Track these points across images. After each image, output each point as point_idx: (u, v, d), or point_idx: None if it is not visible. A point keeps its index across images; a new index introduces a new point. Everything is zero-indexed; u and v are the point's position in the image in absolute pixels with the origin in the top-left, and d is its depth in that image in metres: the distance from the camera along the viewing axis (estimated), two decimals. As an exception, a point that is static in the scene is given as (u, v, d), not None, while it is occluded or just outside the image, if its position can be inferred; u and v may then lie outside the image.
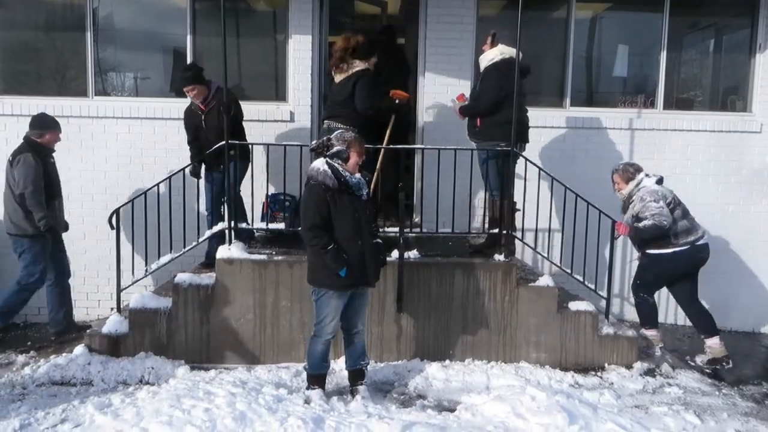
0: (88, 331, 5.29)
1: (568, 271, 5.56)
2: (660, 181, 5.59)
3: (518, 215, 5.58)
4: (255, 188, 5.62)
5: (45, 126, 5.54)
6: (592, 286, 5.58)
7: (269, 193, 5.96)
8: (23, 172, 5.30)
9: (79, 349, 5.08)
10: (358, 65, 5.39)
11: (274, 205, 6.06)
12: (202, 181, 5.67)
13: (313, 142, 4.49)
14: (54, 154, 5.66)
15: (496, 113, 5.30)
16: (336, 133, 4.45)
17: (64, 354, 5.14)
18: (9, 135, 6.37)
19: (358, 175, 4.41)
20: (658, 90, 6.91)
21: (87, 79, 6.49)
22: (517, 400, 4.28)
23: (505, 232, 5.41)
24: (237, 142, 5.36)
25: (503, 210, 5.43)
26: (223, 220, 5.48)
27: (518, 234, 5.60)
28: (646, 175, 5.59)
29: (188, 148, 5.83)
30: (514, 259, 5.55)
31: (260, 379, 4.74)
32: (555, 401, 4.27)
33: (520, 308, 5.34)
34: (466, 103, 5.68)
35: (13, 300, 5.52)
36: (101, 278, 6.42)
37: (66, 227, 5.79)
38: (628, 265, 6.46)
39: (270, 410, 4.12)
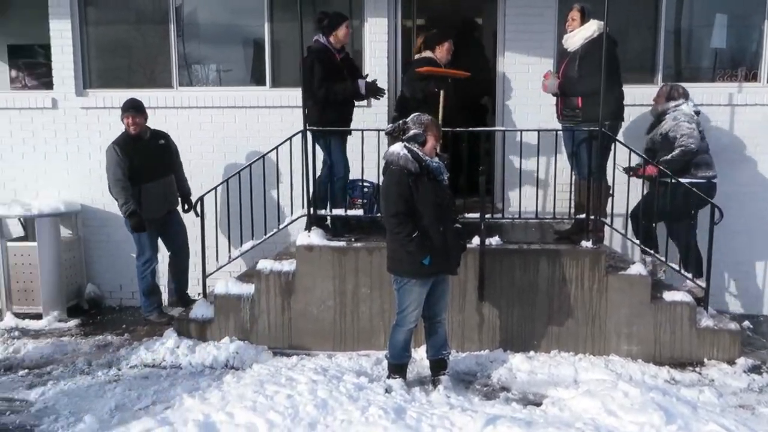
0: (176, 315, 5.46)
1: (662, 258, 5.22)
2: (697, 113, 5.59)
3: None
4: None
5: (122, 110, 5.75)
6: (689, 275, 5.22)
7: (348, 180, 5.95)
8: (105, 163, 5.67)
9: (169, 333, 5.27)
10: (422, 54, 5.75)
11: (352, 192, 6.02)
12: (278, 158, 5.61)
13: (388, 126, 4.40)
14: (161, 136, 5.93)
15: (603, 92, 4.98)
16: (412, 116, 4.34)
17: (155, 337, 5.35)
18: (102, 127, 6.65)
19: (437, 159, 4.29)
20: (762, 62, 6.34)
21: (171, 70, 6.67)
22: (608, 396, 4.06)
23: (593, 217, 5.13)
24: (314, 128, 5.32)
25: (590, 194, 5.15)
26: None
27: (607, 220, 5.31)
28: (687, 103, 5.57)
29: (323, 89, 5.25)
30: (603, 246, 5.26)
31: (341, 367, 4.74)
32: (650, 398, 4.01)
33: (609, 298, 5.06)
34: (557, 80, 5.38)
35: (142, 284, 5.86)
36: (189, 264, 6.60)
37: (169, 207, 5.89)
38: (730, 252, 5.99)
39: (351, 398, 4.10)
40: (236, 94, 6.58)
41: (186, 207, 6.00)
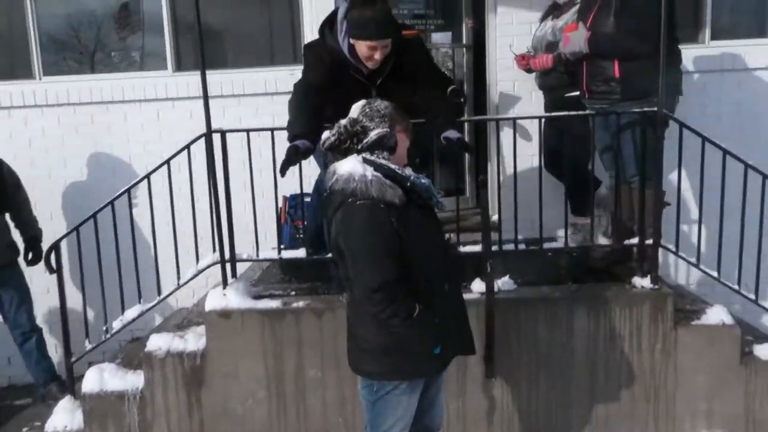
0: (24, 429, 3.61)
1: (752, 297, 3.56)
2: None
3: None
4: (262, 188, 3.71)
5: None
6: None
7: (288, 195, 4.19)
8: None
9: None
10: None
11: (295, 212, 4.30)
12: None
13: (326, 134, 2.46)
14: None
15: (655, 54, 3.24)
16: (360, 107, 2.45)
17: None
18: None
19: (410, 170, 2.46)
20: None
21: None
22: None
23: (650, 241, 3.44)
24: (224, 129, 3.50)
25: (643, 204, 3.46)
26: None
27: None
28: None
29: None
30: (663, 283, 3.57)
31: None
32: None
33: (679, 361, 3.41)
34: (579, 31, 3.55)
35: None
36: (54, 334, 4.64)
37: None
38: None
39: None
40: (125, 82, 4.70)
41: (30, 256, 4.15)
